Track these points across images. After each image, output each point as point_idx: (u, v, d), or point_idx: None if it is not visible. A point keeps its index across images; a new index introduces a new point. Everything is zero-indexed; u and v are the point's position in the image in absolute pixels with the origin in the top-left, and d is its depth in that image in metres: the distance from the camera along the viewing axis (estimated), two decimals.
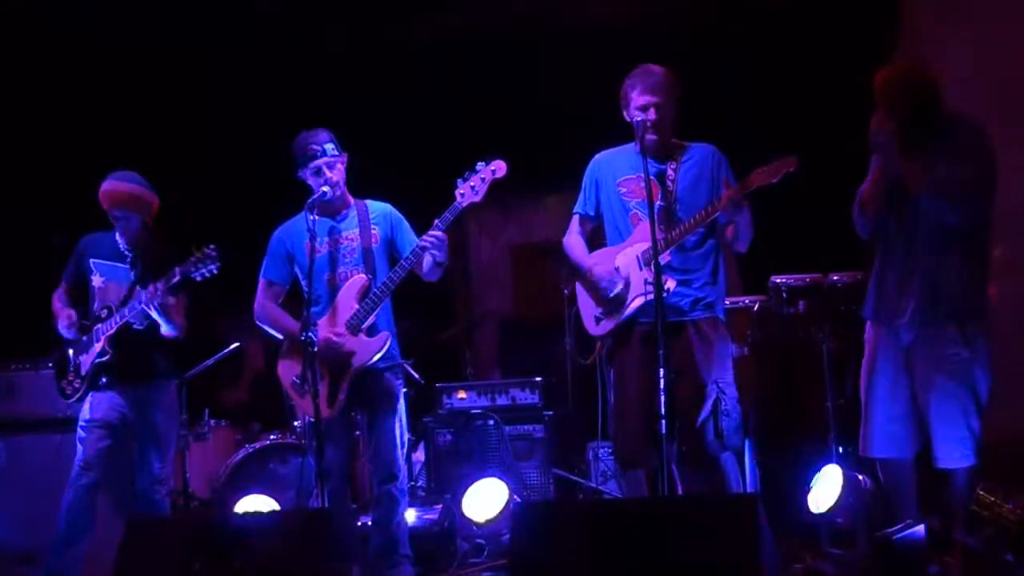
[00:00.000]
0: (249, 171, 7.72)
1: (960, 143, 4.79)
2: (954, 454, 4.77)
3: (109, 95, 7.83)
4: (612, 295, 5.10)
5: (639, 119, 5.02)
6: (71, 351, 5.82)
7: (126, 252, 5.85)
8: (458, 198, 5.35)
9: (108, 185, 5.77)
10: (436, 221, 5.31)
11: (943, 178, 4.70)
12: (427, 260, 5.38)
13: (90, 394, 5.75)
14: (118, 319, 5.65)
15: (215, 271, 5.46)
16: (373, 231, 5.57)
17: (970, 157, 4.76)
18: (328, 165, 5.47)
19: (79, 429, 5.73)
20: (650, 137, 5.03)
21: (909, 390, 4.87)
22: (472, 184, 5.33)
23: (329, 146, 5.49)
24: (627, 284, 5.07)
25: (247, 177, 7.85)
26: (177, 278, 5.49)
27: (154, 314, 5.58)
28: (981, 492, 4.51)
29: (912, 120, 4.80)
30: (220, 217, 7.60)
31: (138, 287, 5.65)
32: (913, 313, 4.81)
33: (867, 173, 4.97)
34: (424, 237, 5.30)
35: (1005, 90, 6.35)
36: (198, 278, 5.49)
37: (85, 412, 5.74)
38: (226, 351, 7.16)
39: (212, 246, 5.47)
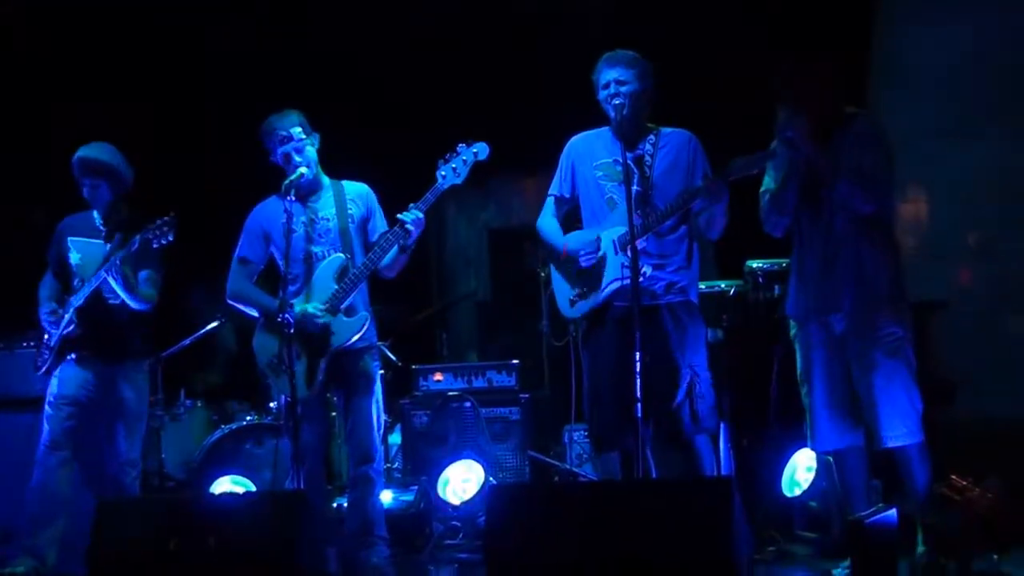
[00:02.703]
0: (236, 149, 7.68)
1: (861, 133, 4.87)
2: (901, 431, 4.79)
3: (97, 65, 7.78)
4: (590, 265, 5.10)
5: (613, 103, 5.03)
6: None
7: (102, 228, 5.83)
8: (439, 180, 5.35)
9: (79, 153, 5.77)
10: (414, 204, 5.31)
11: (854, 167, 4.78)
12: (392, 251, 5.36)
13: (59, 369, 5.73)
14: (87, 289, 5.63)
15: (171, 239, 5.45)
16: (350, 212, 5.56)
17: (873, 147, 4.84)
18: (297, 150, 5.46)
19: (46, 406, 5.71)
20: (623, 115, 5.02)
21: (847, 380, 4.91)
22: (454, 166, 5.34)
23: (296, 130, 5.47)
24: (603, 261, 5.08)
25: (234, 154, 7.82)
26: (135, 246, 5.49)
27: (113, 283, 5.56)
28: (953, 476, 4.55)
29: (822, 114, 4.85)
30: (202, 196, 7.60)
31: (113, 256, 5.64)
32: (843, 299, 4.85)
33: (763, 174, 5.01)
34: (402, 215, 5.29)
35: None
36: (155, 246, 5.48)
37: (53, 387, 5.72)
38: (205, 329, 7.15)
39: (171, 214, 5.46)
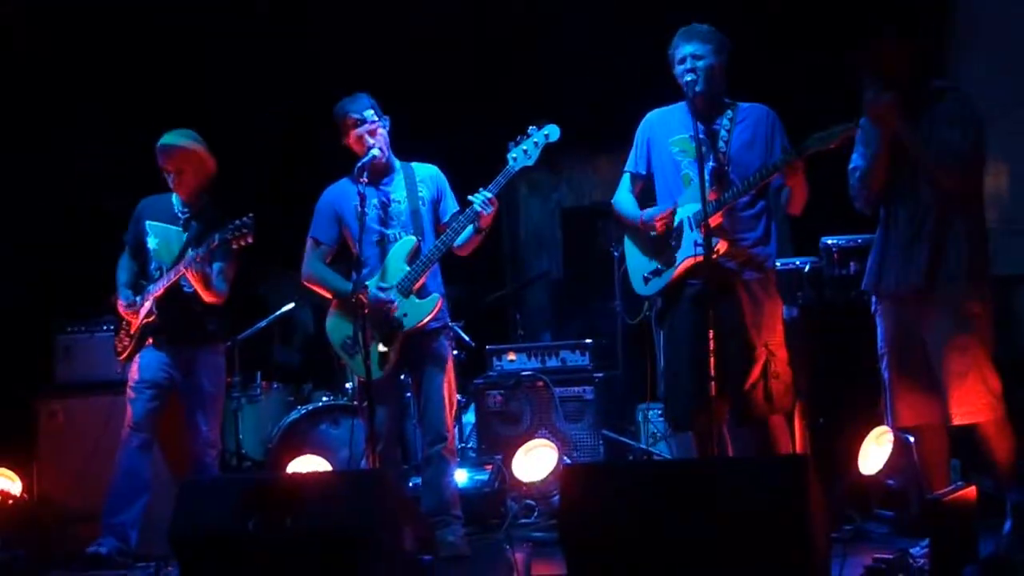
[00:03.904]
0: (302, 136, 7.74)
1: (952, 110, 4.79)
2: (971, 409, 4.72)
3: (113, 47, 7.85)
4: (666, 231, 5.06)
5: (688, 78, 4.98)
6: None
7: (180, 214, 5.91)
8: (510, 162, 5.36)
9: (163, 139, 5.84)
10: (484, 187, 5.32)
11: (942, 144, 4.71)
12: (468, 230, 5.38)
13: (139, 354, 5.84)
14: (165, 280, 5.73)
15: (250, 240, 5.51)
16: (420, 194, 5.58)
17: (964, 123, 4.76)
18: (369, 132, 5.49)
19: (129, 390, 5.82)
20: (696, 91, 4.98)
21: (926, 356, 4.84)
22: (524, 148, 5.34)
23: (369, 112, 5.51)
24: (679, 234, 5.04)
25: (299, 142, 7.88)
26: (215, 244, 5.55)
27: (191, 278, 5.64)
28: None
29: (910, 89, 4.77)
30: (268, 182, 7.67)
31: (190, 249, 5.71)
32: (924, 276, 4.78)
33: (853, 148, 4.94)
34: (475, 196, 5.30)
35: None
36: (235, 246, 5.54)
37: (134, 372, 5.83)
38: (280, 312, 7.23)
39: (250, 215, 5.52)
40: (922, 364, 4.84)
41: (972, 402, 4.71)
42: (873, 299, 5.04)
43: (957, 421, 4.74)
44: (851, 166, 4.98)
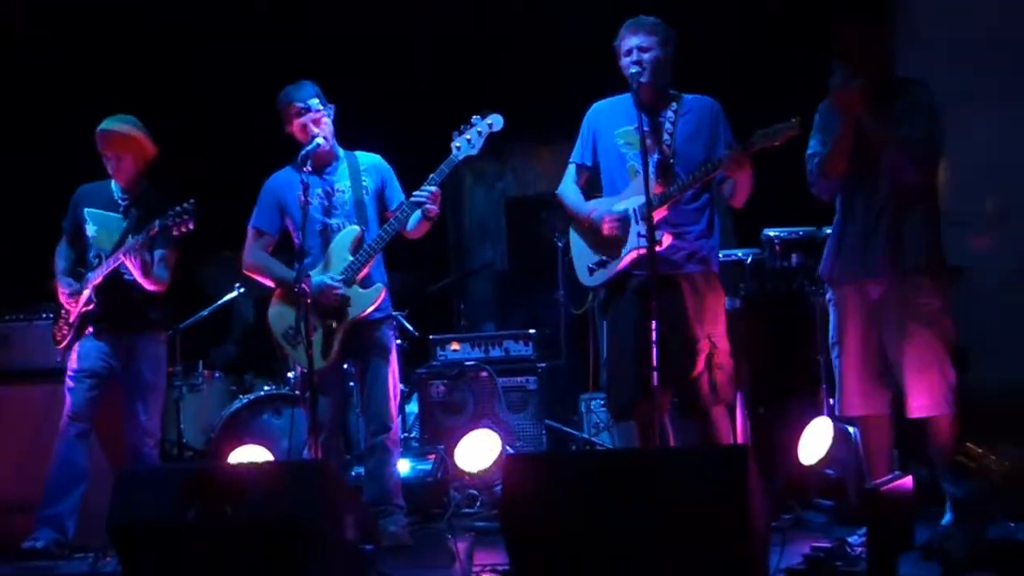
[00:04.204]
0: (247, 123, 7.69)
1: (914, 102, 4.83)
2: (930, 402, 4.78)
3: (113, 46, 7.79)
4: (612, 233, 5.08)
5: (633, 70, 4.99)
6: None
7: (120, 200, 5.85)
8: (454, 151, 5.35)
9: (102, 126, 5.78)
10: (431, 175, 5.31)
11: (906, 136, 4.75)
12: (416, 216, 5.37)
13: (78, 343, 5.77)
14: (104, 268, 5.66)
15: (191, 227, 5.46)
16: (364, 183, 5.56)
17: (926, 115, 4.81)
18: (314, 120, 5.46)
19: (67, 379, 5.75)
20: (642, 82, 4.99)
21: (879, 346, 4.89)
22: (468, 138, 5.33)
23: (314, 100, 5.48)
24: (625, 228, 5.05)
25: (244, 129, 7.82)
26: (155, 231, 5.50)
27: (130, 266, 5.58)
28: (968, 444, 4.54)
29: (876, 78, 4.81)
30: (215, 170, 7.60)
31: (130, 236, 5.64)
32: (882, 268, 4.82)
33: (810, 135, 4.98)
34: (418, 192, 5.29)
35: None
36: (175, 233, 5.49)
37: (73, 361, 5.76)
38: (224, 299, 7.17)
39: (191, 201, 5.47)
40: (876, 354, 4.89)
41: (931, 395, 4.78)
42: (827, 287, 5.07)
43: (916, 414, 4.81)
44: (809, 152, 5.01)
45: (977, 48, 6.68)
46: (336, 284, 5.36)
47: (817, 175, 4.97)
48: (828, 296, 5.09)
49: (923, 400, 4.79)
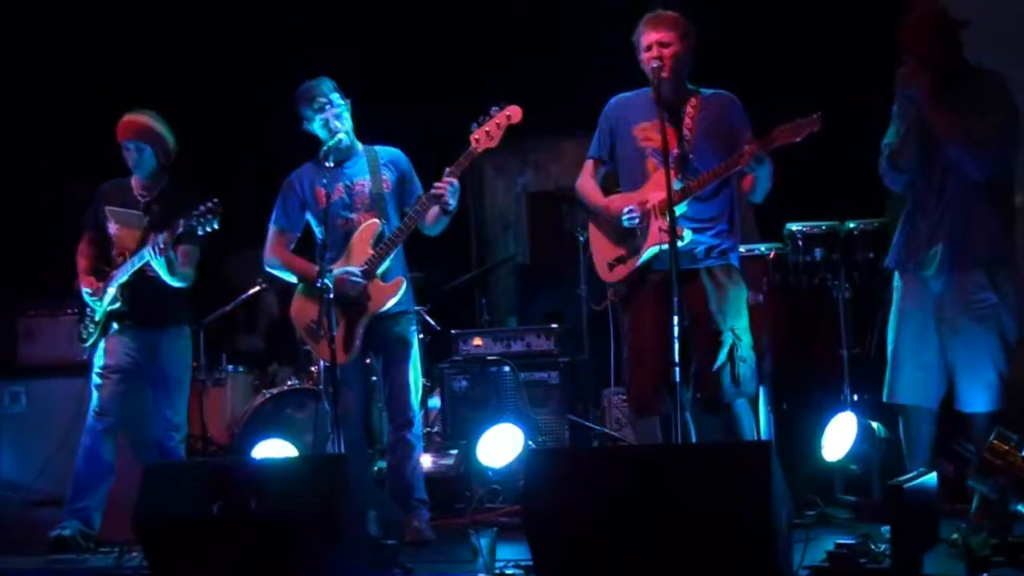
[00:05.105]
0: (260, 120, 7.72)
1: (985, 94, 4.78)
2: (980, 398, 4.78)
3: (134, 42, 7.84)
4: (632, 226, 5.07)
5: (653, 65, 4.98)
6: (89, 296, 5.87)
7: (140, 197, 5.87)
8: (472, 143, 5.34)
9: (125, 117, 5.82)
10: (449, 168, 5.30)
11: (971, 129, 4.69)
12: (434, 209, 5.37)
13: (104, 340, 5.80)
14: (129, 266, 5.69)
15: (216, 226, 5.49)
16: (384, 177, 5.57)
17: (995, 108, 4.75)
18: (336, 115, 5.46)
19: (94, 375, 5.78)
20: (662, 77, 4.96)
21: (937, 339, 4.87)
22: (487, 129, 5.32)
23: (335, 96, 5.48)
24: (646, 226, 5.05)
25: (259, 125, 7.86)
26: (180, 230, 5.53)
27: (155, 263, 5.61)
28: (994, 440, 4.52)
29: (943, 69, 4.77)
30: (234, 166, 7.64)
31: (152, 232, 5.67)
32: (942, 260, 4.81)
33: (889, 124, 4.95)
34: (437, 184, 5.29)
35: None
36: (200, 232, 5.51)
37: (99, 358, 5.79)
38: (247, 295, 7.19)
39: (215, 200, 5.49)
40: (933, 347, 4.88)
41: (980, 391, 4.78)
42: (896, 275, 5.06)
43: (965, 408, 4.81)
44: (884, 142, 4.98)
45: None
46: (358, 275, 5.36)
47: (886, 167, 4.96)
48: (894, 282, 5.07)
49: (972, 396, 4.79)
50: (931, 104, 4.73)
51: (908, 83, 4.77)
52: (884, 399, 5.10)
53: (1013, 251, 4.88)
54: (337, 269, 5.36)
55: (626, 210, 5.06)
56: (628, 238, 5.13)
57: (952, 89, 4.77)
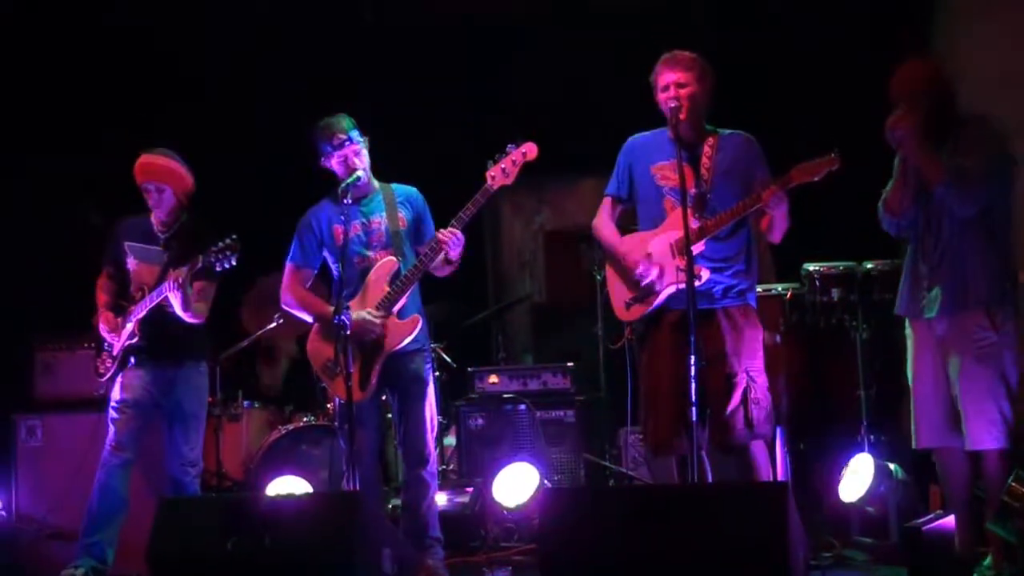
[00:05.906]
0: (274, 157, 7.75)
1: (964, 135, 4.84)
2: (983, 436, 4.77)
3: (154, 76, 7.89)
4: (645, 283, 5.09)
5: (671, 105, 5.00)
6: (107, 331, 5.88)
7: (159, 234, 5.90)
8: (489, 181, 5.35)
9: (142, 158, 5.84)
10: (467, 205, 5.30)
11: (956, 167, 4.75)
12: (440, 256, 5.38)
13: (121, 374, 5.81)
14: (148, 302, 5.71)
15: (234, 262, 5.51)
16: (400, 215, 5.58)
17: (974, 147, 4.80)
18: (355, 152, 5.48)
19: (111, 410, 5.79)
20: (679, 118, 4.98)
21: (947, 381, 4.87)
22: (503, 167, 5.33)
23: (354, 133, 5.50)
24: (660, 272, 5.06)
25: (274, 162, 7.89)
26: (199, 266, 5.54)
27: (173, 299, 5.63)
28: (1013, 483, 4.49)
29: (931, 116, 4.82)
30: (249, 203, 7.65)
31: (171, 268, 5.69)
32: (943, 303, 4.83)
33: (892, 172, 5.00)
34: (443, 232, 5.30)
35: None
36: (218, 268, 5.53)
37: (116, 393, 5.80)
38: (263, 330, 7.19)
39: (233, 236, 5.51)
40: (947, 388, 4.90)
41: (981, 429, 4.77)
42: (906, 323, 5.08)
43: (971, 447, 4.81)
44: (884, 189, 5.04)
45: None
46: (376, 319, 5.36)
47: (881, 212, 5.02)
48: (907, 329, 5.09)
49: (974, 433, 4.79)
50: (915, 147, 4.79)
51: (894, 128, 4.80)
52: (913, 446, 5.10)
53: (1014, 291, 4.90)
54: (355, 313, 5.34)
55: (637, 272, 5.08)
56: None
57: (942, 137, 4.83)
